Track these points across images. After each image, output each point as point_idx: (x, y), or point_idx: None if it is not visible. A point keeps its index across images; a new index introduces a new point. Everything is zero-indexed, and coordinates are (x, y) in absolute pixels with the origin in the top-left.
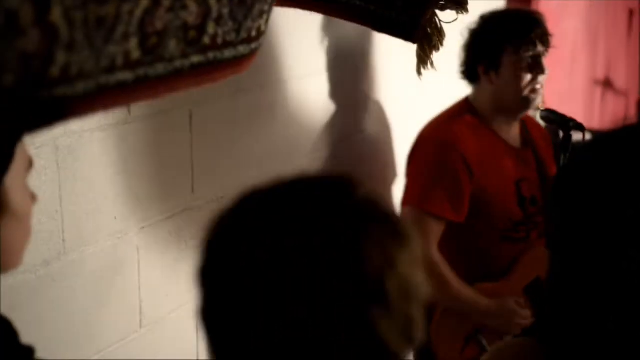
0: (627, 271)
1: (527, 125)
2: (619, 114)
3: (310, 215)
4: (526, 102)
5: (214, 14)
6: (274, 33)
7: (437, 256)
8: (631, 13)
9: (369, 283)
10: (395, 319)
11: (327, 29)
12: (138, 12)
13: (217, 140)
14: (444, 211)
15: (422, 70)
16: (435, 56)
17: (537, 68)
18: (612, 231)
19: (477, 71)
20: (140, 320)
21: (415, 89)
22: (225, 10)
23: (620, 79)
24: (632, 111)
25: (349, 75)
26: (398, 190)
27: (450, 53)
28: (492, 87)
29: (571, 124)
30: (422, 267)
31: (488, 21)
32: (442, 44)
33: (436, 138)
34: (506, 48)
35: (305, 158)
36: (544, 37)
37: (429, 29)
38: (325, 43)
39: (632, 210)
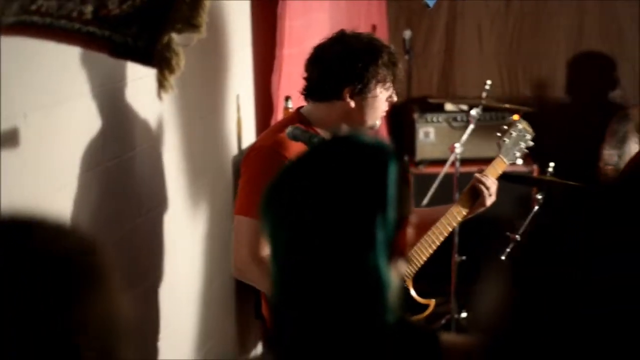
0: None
1: None
2: None
3: None
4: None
5: None
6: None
7: (265, 260)
8: (374, 28)
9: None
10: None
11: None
12: None
13: None
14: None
15: (162, 94)
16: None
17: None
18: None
19: (337, 91)
20: None
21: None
22: None
23: None
24: (382, 122)
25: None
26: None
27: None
28: (349, 108)
29: (314, 139)
30: (121, 293)
31: (351, 44)
32: (180, 67)
33: (261, 147)
34: (377, 76)
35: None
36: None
37: (166, 53)
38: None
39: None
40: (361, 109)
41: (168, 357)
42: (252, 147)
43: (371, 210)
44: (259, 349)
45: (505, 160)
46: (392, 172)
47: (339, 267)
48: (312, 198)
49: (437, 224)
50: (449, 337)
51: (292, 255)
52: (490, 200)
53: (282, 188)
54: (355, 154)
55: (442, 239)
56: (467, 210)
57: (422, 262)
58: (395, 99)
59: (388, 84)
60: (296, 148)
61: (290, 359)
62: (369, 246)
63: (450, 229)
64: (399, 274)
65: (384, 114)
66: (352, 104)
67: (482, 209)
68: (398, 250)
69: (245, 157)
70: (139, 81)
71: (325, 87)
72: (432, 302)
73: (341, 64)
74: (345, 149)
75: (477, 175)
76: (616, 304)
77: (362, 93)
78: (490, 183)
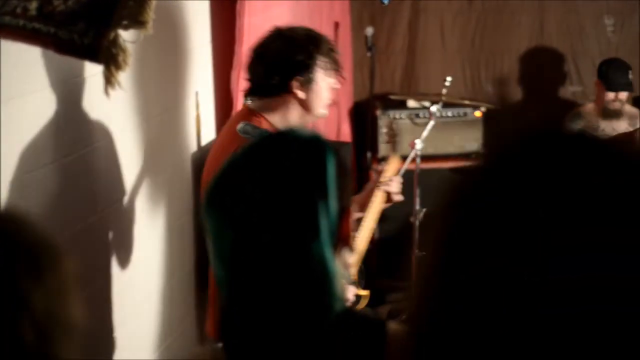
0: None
1: None
2: (332, 123)
3: None
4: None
5: None
6: None
7: None
8: (337, 25)
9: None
10: (34, 355)
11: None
12: None
13: None
14: None
15: (110, 90)
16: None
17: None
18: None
19: (285, 84)
20: None
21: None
22: None
23: None
24: (345, 119)
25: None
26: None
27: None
28: (298, 99)
29: (265, 135)
30: (69, 290)
31: (292, 37)
32: (127, 63)
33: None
34: (318, 66)
35: (27, 175)
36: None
37: (113, 50)
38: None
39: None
40: (310, 99)
41: (126, 354)
42: (225, 146)
43: (313, 200)
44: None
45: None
46: (330, 163)
47: (285, 258)
48: (255, 194)
49: (367, 211)
50: (395, 326)
51: (240, 252)
52: (398, 197)
53: (222, 188)
54: (294, 148)
55: (374, 225)
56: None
57: (363, 249)
58: (338, 86)
59: (331, 72)
60: None
61: (244, 353)
62: (313, 235)
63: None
64: (343, 262)
65: (330, 102)
66: (301, 94)
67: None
68: (342, 239)
69: (218, 157)
70: (95, 77)
71: (272, 82)
72: (368, 293)
73: (286, 57)
74: (283, 144)
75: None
76: (566, 307)
77: (309, 83)
78: (392, 182)
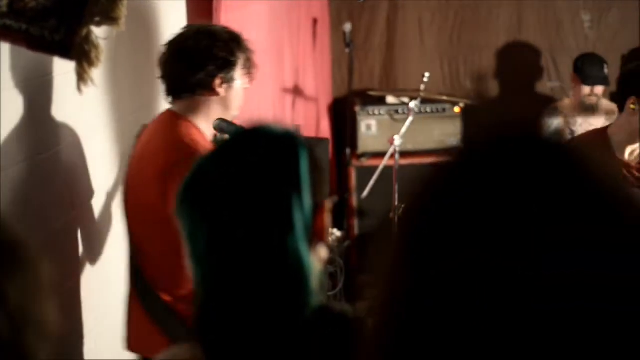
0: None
1: None
2: (311, 119)
3: None
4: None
5: None
6: None
7: None
8: (315, 22)
9: None
10: (6, 352)
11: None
12: None
13: None
14: None
15: (82, 87)
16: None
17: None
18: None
19: (208, 82)
20: None
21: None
22: None
23: (309, 86)
24: (324, 116)
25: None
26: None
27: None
28: (218, 97)
29: (240, 131)
30: (44, 290)
31: (215, 34)
32: (99, 60)
33: (193, 154)
34: (239, 64)
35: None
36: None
37: (85, 46)
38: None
39: None
40: (230, 98)
41: (100, 355)
42: (179, 157)
43: (287, 194)
44: None
45: None
46: (303, 157)
47: (260, 253)
48: (228, 189)
49: None
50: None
51: (215, 250)
52: None
53: (196, 185)
54: (266, 143)
55: None
56: None
57: None
58: (249, 85)
59: (247, 71)
60: (204, 144)
61: (222, 351)
62: (288, 229)
63: None
64: (319, 258)
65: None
66: (222, 93)
67: None
68: (317, 234)
69: (180, 166)
70: (68, 75)
71: (194, 79)
72: None
73: (210, 53)
74: (255, 139)
75: None
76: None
77: (230, 81)
78: None
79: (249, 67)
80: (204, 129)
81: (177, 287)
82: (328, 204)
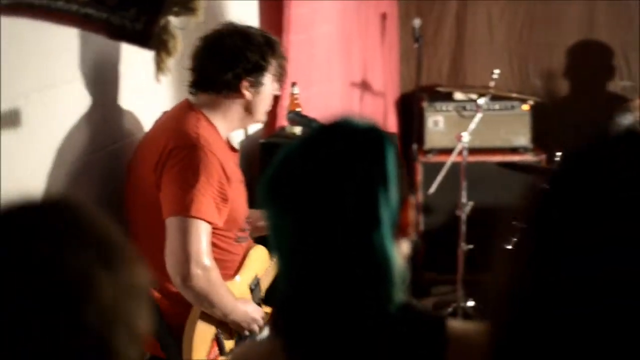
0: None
1: None
2: (379, 114)
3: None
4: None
5: None
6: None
7: (212, 263)
8: (384, 17)
9: (64, 309)
10: (94, 344)
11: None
12: None
13: None
14: (213, 217)
15: (160, 76)
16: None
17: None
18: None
19: (235, 83)
20: None
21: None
22: None
23: (377, 81)
24: (391, 111)
25: (102, 84)
26: None
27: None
28: (244, 100)
29: (313, 124)
30: (139, 294)
31: (250, 36)
32: (177, 50)
33: (191, 145)
34: (269, 70)
35: (59, 169)
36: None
37: (164, 36)
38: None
39: None
40: (255, 102)
41: None
42: (178, 144)
43: (374, 189)
44: None
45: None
46: (390, 152)
47: (346, 248)
48: (315, 183)
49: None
50: (456, 324)
51: (299, 243)
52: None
53: (282, 178)
54: (353, 136)
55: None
56: None
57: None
58: (279, 93)
59: (278, 78)
60: (217, 145)
61: (304, 346)
62: (374, 225)
63: None
64: (402, 253)
65: (270, 109)
66: (248, 96)
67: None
68: (401, 230)
69: (171, 154)
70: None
71: (222, 78)
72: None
73: (242, 55)
74: (342, 133)
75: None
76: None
77: (258, 85)
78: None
79: (281, 73)
80: (219, 126)
81: (168, 281)
82: (412, 199)
